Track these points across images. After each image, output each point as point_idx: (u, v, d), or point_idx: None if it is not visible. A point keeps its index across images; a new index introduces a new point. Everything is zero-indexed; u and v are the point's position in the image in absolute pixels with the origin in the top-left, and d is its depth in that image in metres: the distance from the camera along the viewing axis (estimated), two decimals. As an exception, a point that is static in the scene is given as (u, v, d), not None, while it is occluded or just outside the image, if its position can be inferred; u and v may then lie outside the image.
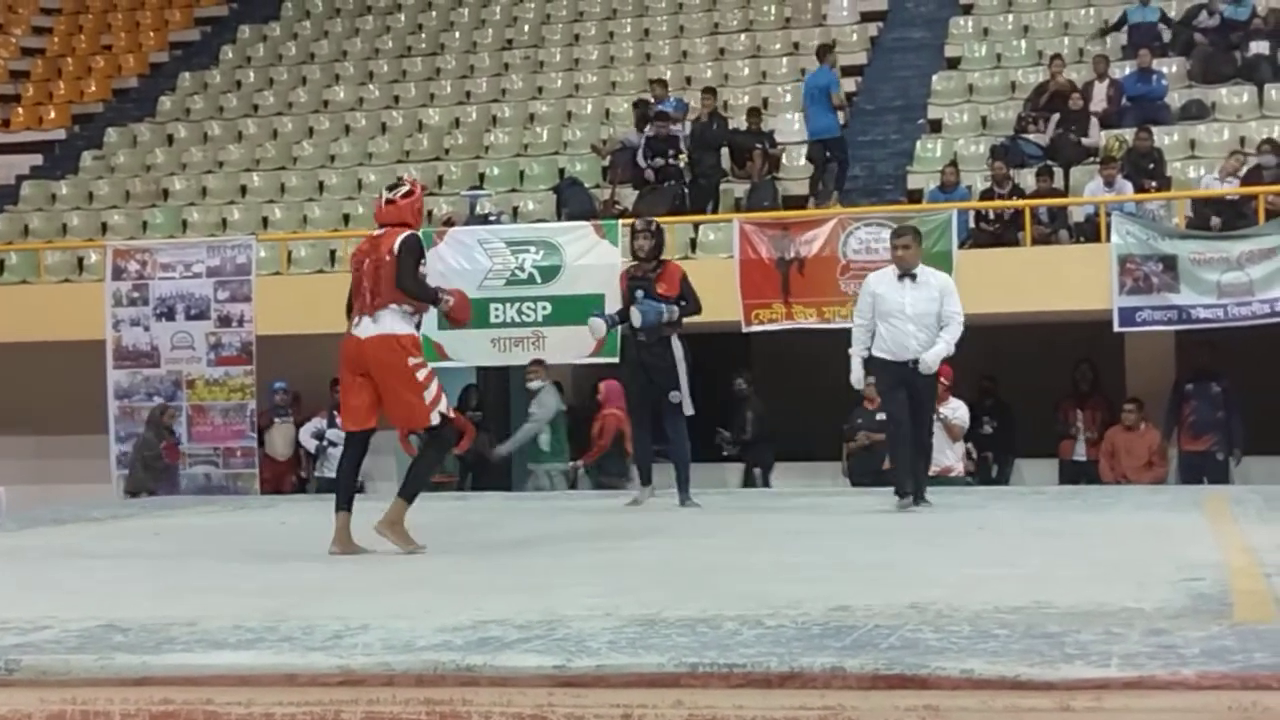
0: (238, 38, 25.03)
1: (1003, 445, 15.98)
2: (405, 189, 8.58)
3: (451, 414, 8.46)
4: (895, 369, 10.25)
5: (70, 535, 10.31)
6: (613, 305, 15.18)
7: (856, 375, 10.50)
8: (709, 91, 18.33)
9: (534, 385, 15.33)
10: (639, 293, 11.03)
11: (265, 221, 19.55)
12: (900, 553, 7.82)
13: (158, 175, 21.28)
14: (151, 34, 26.25)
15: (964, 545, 8.18)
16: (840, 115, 17.72)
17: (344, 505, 8.32)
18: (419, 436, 15.83)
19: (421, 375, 8.23)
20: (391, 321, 8.22)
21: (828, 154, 17.51)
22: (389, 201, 8.47)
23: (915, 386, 10.23)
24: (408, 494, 8.30)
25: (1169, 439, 15.08)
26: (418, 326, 8.43)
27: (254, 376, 16.11)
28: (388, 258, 8.23)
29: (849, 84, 20.01)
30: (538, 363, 15.34)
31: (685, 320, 11.21)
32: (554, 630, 5.22)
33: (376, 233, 8.52)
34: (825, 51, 18.39)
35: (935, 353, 10.14)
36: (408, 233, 8.37)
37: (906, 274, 10.24)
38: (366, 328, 8.29)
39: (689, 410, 11.05)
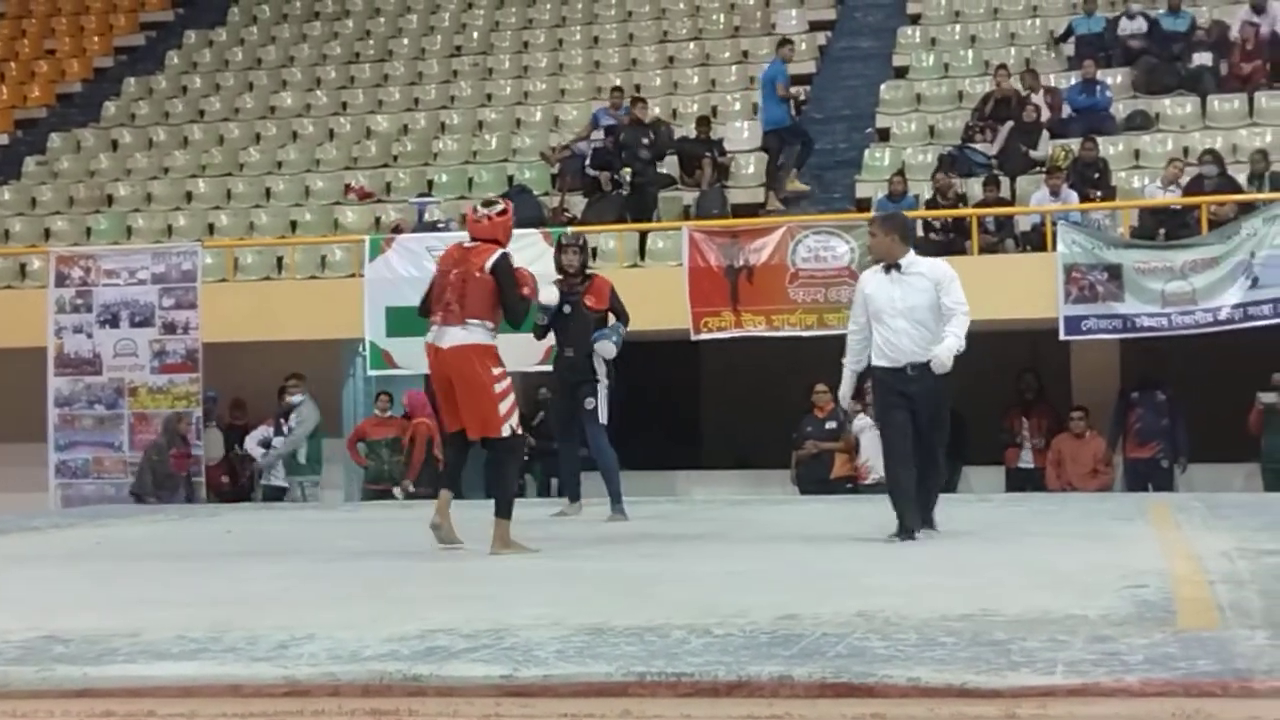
0: (183, 43, 24.86)
1: (950, 453, 15.96)
2: (499, 207, 8.98)
3: (520, 430, 8.83)
4: (893, 380, 8.91)
5: (9, 545, 10.19)
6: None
7: (843, 391, 9.42)
8: (638, 101, 18.31)
9: (295, 399, 15.65)
10: (565, 307, 11.02)
11: (211, 228, 19.42)
12: (847, 561, 7.84)
13: (102, 181, 21.11)
14: (96, 39, 26.04)
15: (911, 553, 8.20)
16: (790, 106, 17.76)
17: (449, 487, 8.87)
18: (368, 443, 15.87)
19: (499, 388, 8.62)
20: (473, 334, 8.62)
21: (782, 142, 17.60)
22: (485, 218, 8.85)
23: (917, 398, 8.83)
24: (501, 513, 8.67)
25: (1114, 447, 15.20)
26: (493, 336, 8.78)
27: (199, 384, 15.99)
28: (477, 274, 8.63)
29: (797, 91, 20.08)
30: (297, 376, 15.66)
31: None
32: (501, 639, 5.20)
33: (468, 244, 8.88)
34: (780, 44, 18.56)
35: (946, 347, 8.70)
36: (501, 252, 8.73)
37: (892, 266, 8.97)
38: (448, 337, 8.66)
39: (603, 417, 11.00)
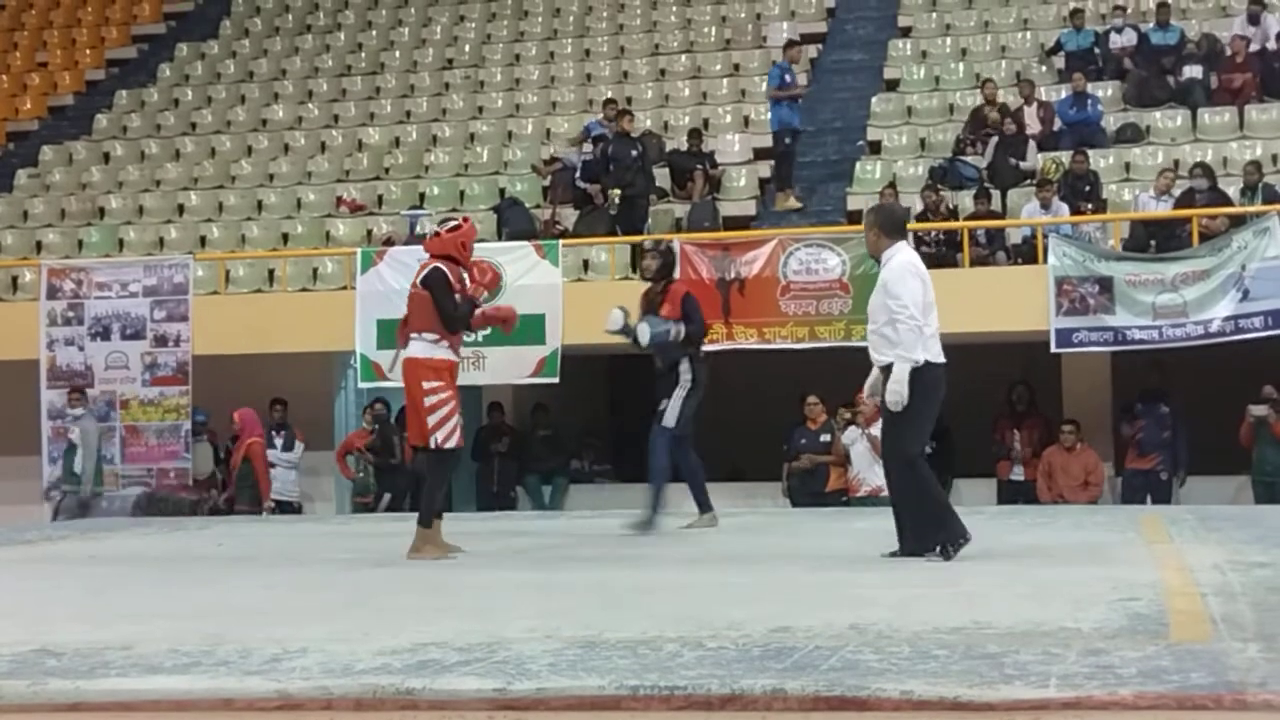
0: (175, 56, 24.87)
1: (941, 465, 15.96)
2: (453, 223, 9.29)
3: (454, 444, 8.95)
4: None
5: (1, 558, 10.16)
6: (554, 325, 15.27)
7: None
8: (624, 113, 18.30)
9: (76, 413, 15.82)
10: (649, 315, 10.71)
11: (203, 240, 19.41)
12: (840, 573, 7.83)
13: (94, 194, 21.10)
14: (88, 51, 26.04)
15: (903, 565, 8.19)
16: (783, 107, 17.73)
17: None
18: (356, 456, 15.86)
19: (430, 401, 8.83)
20: (414, 348, 8.95)
21: (787, 141, 17.64)
22: (435, 234, 9.21)
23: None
24: (422, 521, 9.02)
25: (1115, 458, 15.19)
26: (453, 349, 9.01)
27: (190, 397, 15.97)
28: (415, 289, 9.01)
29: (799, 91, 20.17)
30: (78, 391, 15.84)
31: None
32: (494, 652, 5.19)
33: (422, 261, 9.26)
34: (786, 47, 18.56)
35: (895, 381, 7.95)
36: (432, 265, 9.01)
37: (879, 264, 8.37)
38: (404, 352, 9.04)
39: (669, 421, 10.50)
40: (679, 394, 10.59)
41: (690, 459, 10.80)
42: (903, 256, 8.29)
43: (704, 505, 10.94)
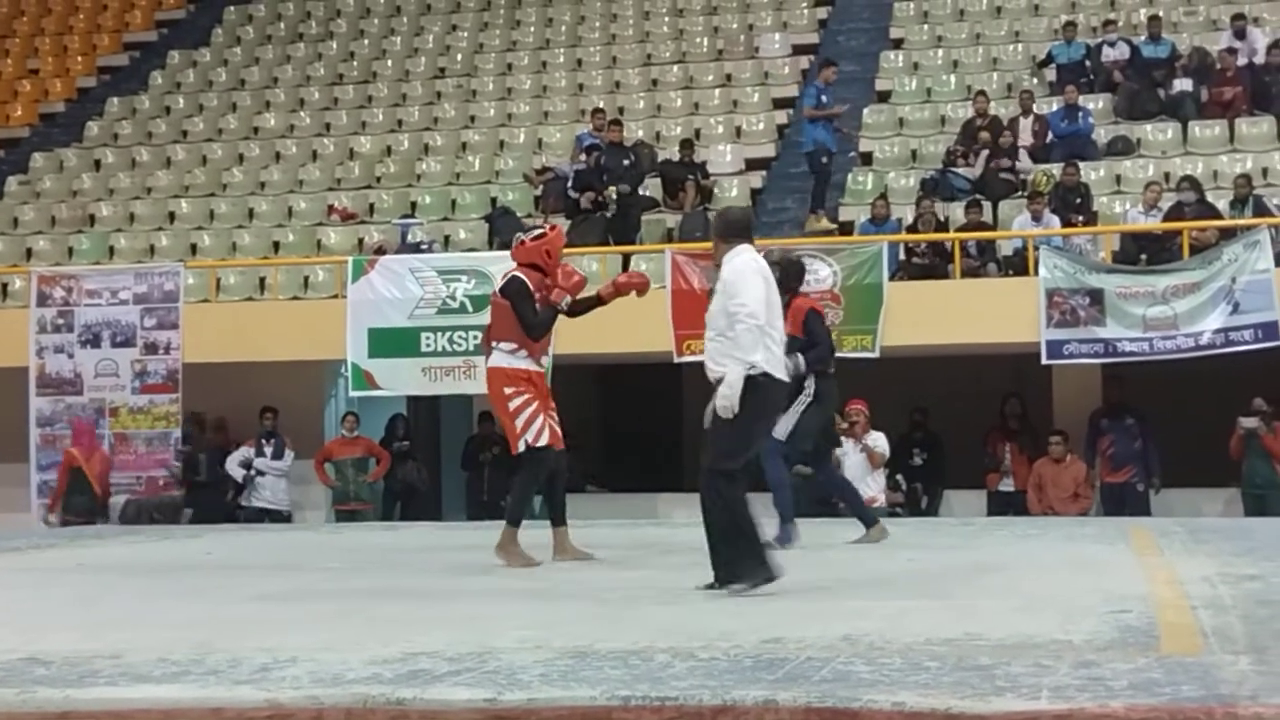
0: (167, 63, 24.84)
1: (932, 477, 16.07)
2: (538, 231, 9.35)
3: (546, 441, 8.97)
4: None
5: (-9, 565, 10.14)
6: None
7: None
8: (614, 123, 18.29)
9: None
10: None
11: (194, 248, 19.38)
12: (831, 584, 7.83)
13: (84, 201, 21.06)
14: (79, 58, 26.01)
15: (894, 576, 8.20)
16: (819, 127, 17.49)
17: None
18: (336, 465, 15.84)
19: (512, 405, 8.93)
20: (495, 359, 9.05)
21: (824, 160, 17.51)
22: (520, 242, 9.23)
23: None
24: (511, 521, 9.04)
25: (1092, 469, 15.23)
26: (534, 358, 9.05)
27: (179, 404, 15.95)
28: (496, 299, 9.12)
29: (780, 116, 20.16)
30: None
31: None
32: (485, 662, 5.18)
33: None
34: (822, 67, 18.42)
35: (727, 385, 7.25)
36: (510, 275, 9.06)
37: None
38: (487, 363, 9.16)
39: (779, 432, 9.65)
40: (797, 407, 9.96)
41: (777, 471, 10.00)
42: (743, 258, 7.55)
43: (786, 518, 10.03)
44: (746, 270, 7.45)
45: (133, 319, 16.12)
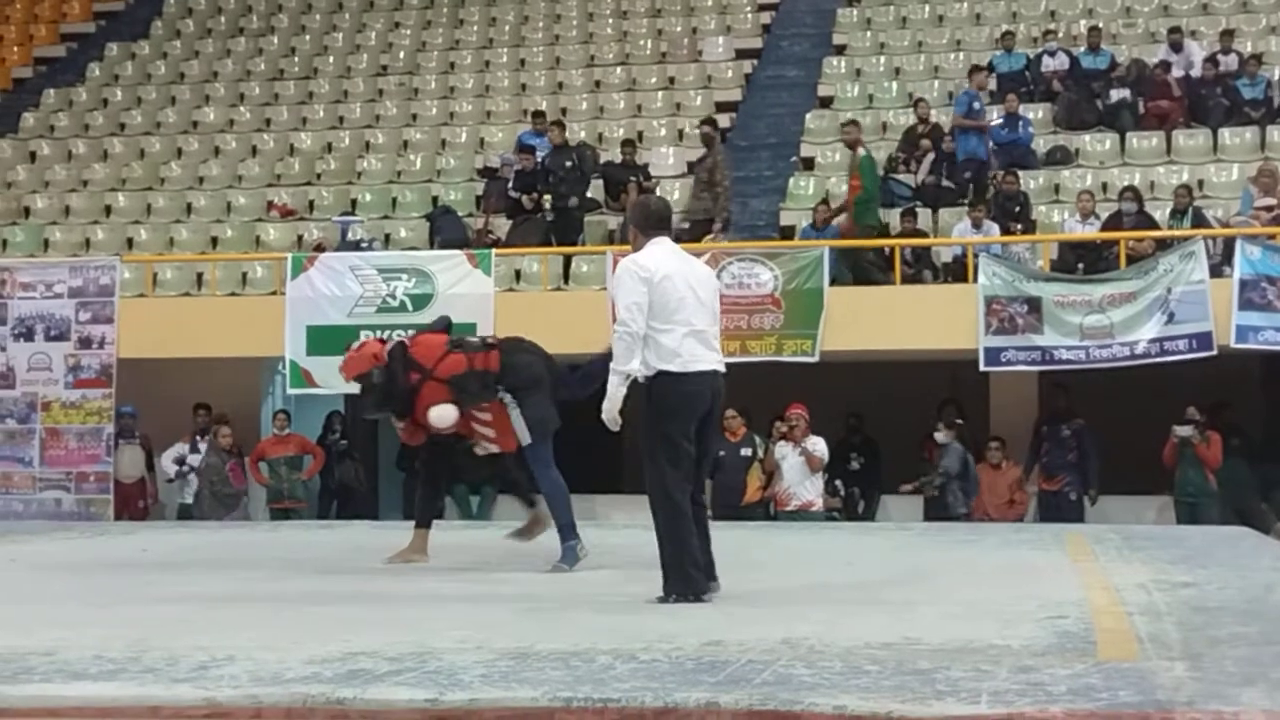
0: (105, 55, 24.58)
1: (869, 481, 16.13)
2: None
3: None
4: None
5: (-80, 561, 9.99)
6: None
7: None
8: (555, 124, 18.26)
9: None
10: None
11: (130, 242, 19.18)
12: (770, 587, 7.85)
13: (19, 193, 20.82)
14: (15, 49, 25.71)
15: (833, 580, 8.23)
16: (970, 137, 17.51)
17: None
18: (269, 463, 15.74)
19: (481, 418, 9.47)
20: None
21: (967, 175, 17.39)
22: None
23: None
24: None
25: (1029, 477, 15.35)
26: None
27: (113, 400, 15.77)
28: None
29: (722, 120, 20.17)
30: None
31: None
32: (425, 663, 5.16)
33: None
34: (971, 73, 18.54)
35: (607, 396, 7.19)
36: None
37: None
38: None
39: (524, 439, 9.46)
40: (512, 411, 9.56)
41: (549, 482, 9.44)
42: (647, 253, 7.25)
43: (566, 535, 9.24)
44: (623, 274, 7.21)
45: (67, 313, 15.92)
